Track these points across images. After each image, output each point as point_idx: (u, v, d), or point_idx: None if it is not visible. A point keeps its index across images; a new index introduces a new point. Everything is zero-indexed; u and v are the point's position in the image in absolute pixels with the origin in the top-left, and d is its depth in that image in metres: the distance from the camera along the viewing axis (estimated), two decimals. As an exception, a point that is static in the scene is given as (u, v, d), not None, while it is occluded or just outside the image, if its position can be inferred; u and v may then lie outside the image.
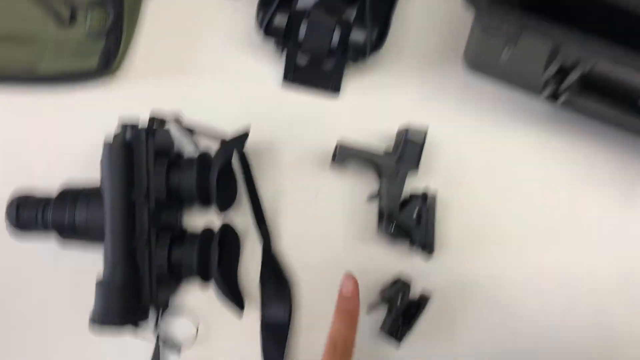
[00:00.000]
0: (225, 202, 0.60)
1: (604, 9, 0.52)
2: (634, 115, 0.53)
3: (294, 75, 0.63)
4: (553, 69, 0.48)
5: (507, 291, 0.61)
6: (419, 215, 0.57)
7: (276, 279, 0.60)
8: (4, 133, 0.65)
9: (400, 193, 0.58)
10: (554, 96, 0.53)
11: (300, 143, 0.63)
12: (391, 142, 0.62)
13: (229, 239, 0.60)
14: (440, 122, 0.62)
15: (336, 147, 0.58)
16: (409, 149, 0.57)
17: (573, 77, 0.48)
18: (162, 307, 0.60)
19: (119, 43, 0.63)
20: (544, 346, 0.60)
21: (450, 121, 0.63)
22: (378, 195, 0.60)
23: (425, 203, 0.57)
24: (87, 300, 0.56)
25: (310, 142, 0.63)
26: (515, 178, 0.62)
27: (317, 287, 0.62)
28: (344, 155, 0.57)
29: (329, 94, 0.64)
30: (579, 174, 0.62)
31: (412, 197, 0.58)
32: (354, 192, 0.63)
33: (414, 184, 0.61)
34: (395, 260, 0.61)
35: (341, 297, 0.52)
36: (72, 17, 0.63)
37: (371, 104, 0.64)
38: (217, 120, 0.62)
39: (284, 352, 0.60)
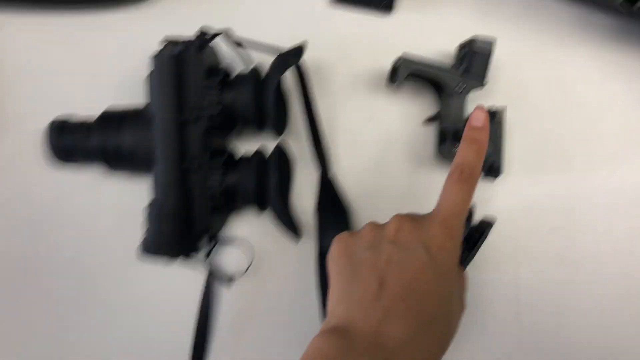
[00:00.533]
0: (281, 123, 0.56)
1: None
2: None
3: (344, -6, 0.59)
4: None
5: (572, 217, 0.58)
6: None
7: (334, 207, 0.57)
8: (37, 60, 0.61)
9: (465, 111, 0.55)
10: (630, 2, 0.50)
11: (351, 64, 0.60)
12: (450, 62, 0.59)
13: (283, 161, 0.56)
14: (501, 39, 0.58)
15: (397, 61, 0.54)
16: (475, 61, 0.53)
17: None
18: (215, 236, 0.57)
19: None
20: (608, 275, 0.58)
21: (512, 39, 0.59)
22: (438, 116, 0.57)
23: (493, 119, 0.53)
24: (132, 231, 0.53)
25: (362, 62, 0.60)
26: (582, 98, 0.59)
27: (373, 216, 0.59)
28: (407, 69, 0.53)
29: (381, 12, 0.60)
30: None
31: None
32: (410, 114, 0.60)
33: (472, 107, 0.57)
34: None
35: (470, 127, 0.48)
36: None
37: (427, 22, 0.60)
38: (265, 41, 0.58)
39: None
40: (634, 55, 0.59)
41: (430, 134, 0.59)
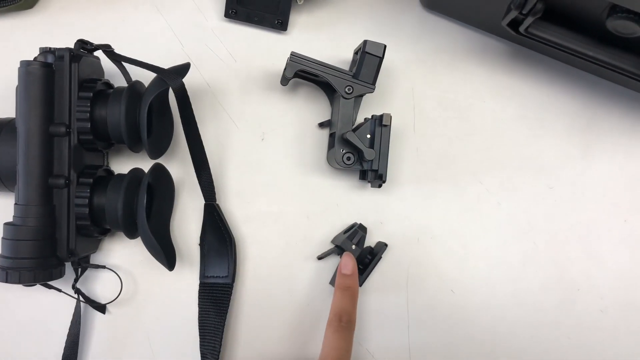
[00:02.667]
0: (159, 146, 0.53)
1: None
2: (598, 45, 0.50)
3: (237, 9, 0.57)
4: (517, -18, 0.44)
5: (464, 242, 0.57)
6: (372, 138, 0.52)
7: (219, 235, 0.54)
8: None
9: (355, 116, 0.53)
10: (516, 24, 0.50)
11: (244, 81, 0.58)
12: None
13: (161, 182, 0.53)
14: (395, 56, 0.58)
15: (288, 59, 0.52)
16: (366, 62, 0.52)
17: (537, -6, 0.44)
18: (83, 259, 0.53)
19: (40, -35, 0.56)
20: (498, 301, 0.57)
21: (406, 56, 0.59)
22: (330, 122, 0.56)
23: (380, 124, 0.52)
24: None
25: (257, 79, 0.58)
26: (472, 117, 0.58)
27: (261, 241, 0.56)
28: (296, 65, 0.51)
29: (275, 31, 0.58)
30: (537, 116, 0.59)
31: (366, 120, 0.53)
32: (305, 120, 0.58)
33: (367, 115, 0.56)
34: (346, 195, 0.57)
35: (340, 274, 0.52)
36: None
37: (322, 41, 0.59)
38: (151, 59, 0.55)
39: (225, 315, 0.54)
40: (526, 79, 0.59)
41: (325, 138, 0.57)
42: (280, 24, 0.58)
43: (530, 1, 0.46)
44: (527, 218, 0.57)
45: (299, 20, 0.59)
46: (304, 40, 0.59)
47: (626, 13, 0.45)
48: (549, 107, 0.59)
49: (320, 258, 0.55)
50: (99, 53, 0.53)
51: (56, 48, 0.49)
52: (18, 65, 0.49)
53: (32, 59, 0.50)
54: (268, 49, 0.58)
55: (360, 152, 0.51)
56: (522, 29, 0.50)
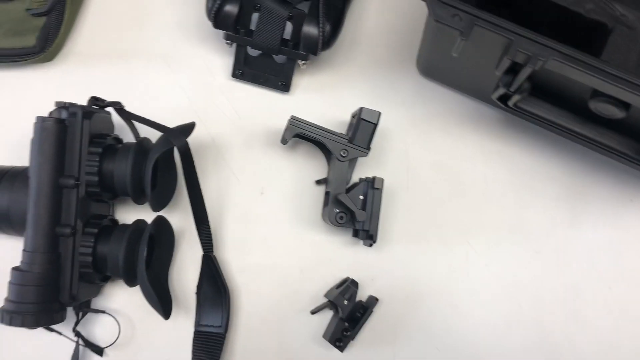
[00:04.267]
0: (162, 199, 0.56)
1: (552, 10, 0.52)
2: (583, 122, 0.52)
3: (244, 70, 0.61)
4: (505, 64, 0.47)
5: (451, 301, 0.59)
6: (365, 200, 0.54)
7: (214, 286, 0.57)
8: None
9: (349, 177, 0.56)
10: (505, 98, 0.53)
11: (247, 137, 0.61)
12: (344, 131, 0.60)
13: (162, 234, 0.56)
14: (391, 119, 0.61)
15: (288, 122, 0.55)
16: (361, 128, 0.55)
17: (524, 74, 0.47)
18: (84, 304, 0.55)
19: (61, 22, 0.60)
20: (485, 357, 0.58)
21: (402, 119, 0.62)
22: (326, 180, 0.58)
23: (372, 187, 0.55)
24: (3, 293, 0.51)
25: (259, 136, 0.61)
26: (463, 180, 0.61)
27: (256, 292, 0.58)
28: (295, 128, 0.54)
29: (279, 91, 0.61)
30: (526, 182, 0.61)
31: (360, 181, 0.56)
32: (303, 177, 0.60)
33: (361, 175, 0.58)
34: (340, 250, 0.59)
35: None
36: (12, -8, 0.60)
37: (322, 102, 0.62)
38: (160, 113, 0.58)
39: (216, 364, 0.56)
40: (517, 146, 0.61)
41: (321, 195, 0.60)
42: (283, 85, 0.61)
43: (517, 80, 0.49)
44: (514, 280, 0.59)
45: (301, 82, 0.62)
46: (305, 100, 0.62)
47: (607, 97, 0.47)
48: (539, 174, 0.61)
49: (313, 312, 0.57)
50: (110, 108, 0.56)
51: (70, 104, 0.53)
52: (34, 117, 0.52)
53: (47, 113, 0.53)
54: (271, 108, 0.61)
55: (353, 213, 0.54)
56: (510, 103, 0.53)
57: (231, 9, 0.56)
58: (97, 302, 0.58)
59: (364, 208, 0.54)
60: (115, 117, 0.57)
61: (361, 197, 0.55)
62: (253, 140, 0.61)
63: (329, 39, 0.57)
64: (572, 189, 0.61)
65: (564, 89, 0.51)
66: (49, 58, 0.61)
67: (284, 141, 0.56)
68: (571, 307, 0.59)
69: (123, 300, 0.58)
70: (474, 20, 0.46)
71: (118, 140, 0.56)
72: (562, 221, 0.60)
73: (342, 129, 0.60)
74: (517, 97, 0.51)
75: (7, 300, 0.50)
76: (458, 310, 0.59)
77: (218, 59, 0.62)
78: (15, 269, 0.51)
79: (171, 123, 0.55)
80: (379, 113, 0.55)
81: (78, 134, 0.52)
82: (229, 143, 0.61)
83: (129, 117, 0.55)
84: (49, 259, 0.51)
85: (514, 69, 0.49)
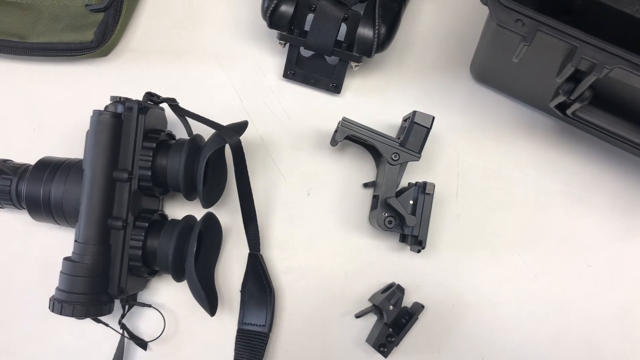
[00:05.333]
0: (212, 195, 0.56)
1: (616, 17, 0.51)
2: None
3: (295, 71, 0.61)
4: (567, 72, 0.46)
5: (497, 313, 0.58)
6: (415, 204, 0.54)
7: (259, 285, 0.57)
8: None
9: (399, 180, 0.55)
10: (563, 106, 0.51)
11: (296, 138, 0.61)
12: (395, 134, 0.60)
13: (211, 230, 0.56)
14: (443, 124, 0.60)
15: (339, 123, 0.55)
16: (414, 132, 0.54)
17: (587, 82, 0.46)
18: (130, 297, 0.56)
19: (118, 19, 0.60)
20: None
21: (453, 125, 0.61)
22: (374, 183, 0.58)
23: (423, 192, 0.54)
24: (53, 283, 0.52)
25: (308, 136, 0.61)
26: (515, 189, 0.60)
27: (301, 295, 0.58)
28: (346, 130, 0.54)
29: (330, 92, 0.61)
30: (580, 194, 0.59)
31: (409, 185, 0.55)
32: (351, 179, 0.60)
33: (411, 180, 0.58)
34: (385, 255, 0.59)
35: None
36: (72, -12, 0.61)
37: (373, 105, 0.61)
38: (211, 111, 0.59)
39: (258, 362, 0.56)
40: (571, 156, 0.60)
41: (368, 198, 0.60)
42: (334, 87, 0.60)
43: (579, 88, 0.48)
44: (563, 294, 0.58)
45: (352, 84, 0.62)
46: (355, 102, 0.61)
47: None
48: (593, 185, 0.59)
49: (358, 316, 0.57)
50: (164, 104, 0.56)
51: (126, 99, 0.53)
52: (90, 109, 0.52)
53: (103, 107, 0.53)
54: (321, 109, 0.61)
55: (402, 218, 0.53)
56: (569, 112, 0.52)
57: (287, 9, 0.56)
58: (143, 296, 0.58)
59: (413, 213, 0.54)
60: (169, 113, 0.57)
61: (411, 201, 0.54)
62: (302, 141, 0.61)
63: (383, 42, 0.56)
64: (627, 202, 0.59)
65: (626, 99, 0.49)
66: (105, 53, 0.62)
67: (334, 142, 0.56)
68: (622, 326, 0.57)
69: (168, 295, 0.58)
70: (538, 26, 0.45)
71: (171, 136, 0.57)
72: (616, 235, 0.59)
73: (392, 133, 0.60)
74: (577, 105, 0.50)
75: (57, 289, 0.51)
76: (505, 322, 0.58)
77: (270, 58, 0.62)
78: (66, 259, 0.52)
79: (222, 121, 0.55)
80: (433, 117, 0.54)
81: (133, 129, 0.53)
82: (278, 143, 0.61)
83: (182, 114, 0.56)
84: (99, 250, 0.51)
85: (575, 77, 0.48)
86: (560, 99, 0.50)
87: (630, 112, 0.50)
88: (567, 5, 0.54)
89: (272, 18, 0.57)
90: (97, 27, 0.60)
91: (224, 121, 0.55)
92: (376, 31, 0.56)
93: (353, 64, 0.59)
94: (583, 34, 0.45)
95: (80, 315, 0.50)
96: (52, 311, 0.50)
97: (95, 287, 0.51)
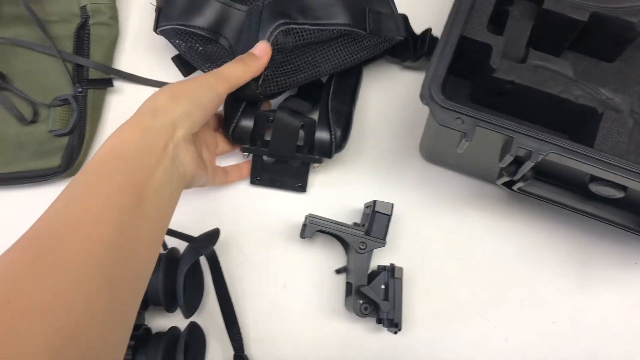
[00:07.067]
0: (192, 304, 0.58)
1: (544, 98, 0.57)
2: (585, 200, 0.56)
3: (261, 176, 0.64)
4: (507, 160, 0.51)
5: (477, 376, 0.61)
6: (386, 289, 0.57)
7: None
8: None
9: (368, 266, 0.59)
10: (509, 184, 0.56)
11: (267, 234, 0.64)
12: (358, 220, 0.64)
13: (194, 339, 0.58)
14: (401, 205, 0.63)
15: (306, 219, 0.59)
16: (377, 220, 0.58)
17: (526, 168, 0.51)
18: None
19: (82, 141, 0.63)
20: None
21: (411, 205, 0.65)
22: (346, 269, 0.61)
23: (392, 276, 0.57)
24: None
25: (277, 231, 0.64)
26: (475, 257, 0.64)
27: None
28: (314, 227, 0.58)
29: (296, 191, 0.65)
30: (534, 254, 0.64)
31: (379, 269, 0.59)
32: (323, 267, 0.63)
33: (379, 261, 0.62)
34: (364, 337, 0.62)
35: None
36: (35, 115, 0.64)
37: (337, 195, 0.65)
38: (183, 217, 0.61)
39: None
40: (522, 222, 0.65)
41: (342, 283, 0.63)
42: (300, 187, 0.65)
43: (520, 171, 0.52)
44: (534, 352, 0.61)
45: (315, 180, 0.66)
46: (320, 196, 0.65)
47: (605, 181, 0.51)
48: (545, 245, 0.64)
49: None
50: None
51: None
52: None
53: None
54: (289, 205, 0.65)
55: (377, 304, 0.56)
56: (515, 187, 0.56)
57: (247, 124, 0.60)
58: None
59: (386, 298, 0.57)
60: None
61: (382, 286, 0.58)
62: (272, 236, 0.64)
63: (340, 142, 0.61)
64: (578, 257, 0.64)
65: (566, 174, 0.54)
66: (72, 174, 0.64)
67: (304, 236, 0.59)
68: (592, 373, 0.61)
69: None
70: (476, 122, 0.50)
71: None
72: (571, 289, 0.63)
73: (357, 217, 0.64)
74: (521, 183, 0.55)
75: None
76: (483, 386, 0.61)
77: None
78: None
79: (195, 225, 0.58)
80: (392, 205, 0.58)
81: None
82: (250, 240, 0.64)
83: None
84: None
85: (517, 160, 0.52)
86: (505, 179, 0.55)
87: (570, 184, 0.55)
88: (499, 88, 0.59)
89: (234, 134, 0.60)
90: (63, 151, 0.62)
91: (196, 225, 0.58)
92: (333, 135, 0.60)
93: (315, 164, 0.63)
94: (518, 125, 0.49)
95: None
96: None
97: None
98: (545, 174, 0.55)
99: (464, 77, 0.65)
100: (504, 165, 0.52)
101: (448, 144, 0.55)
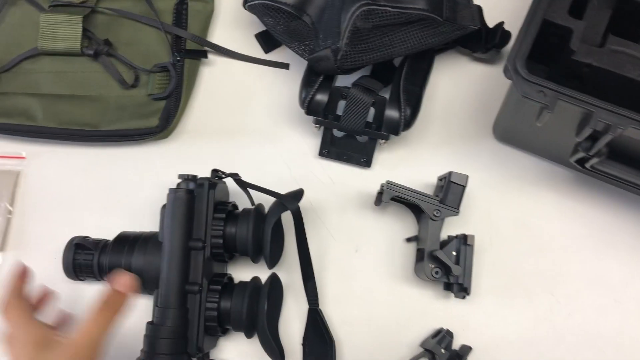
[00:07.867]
0: (275, 257, 0.62)
1: (621, 82, 0.58)
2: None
3: (329, 149, 0.68)
4: (586, 133, 0.53)
5: (537, 346, 0.63)
6: (458, 255, 0.60)
7: (320, 337, 0.62)
8: (63, 186, 0.69)
9: (440, 235, 0.61)
10: (582, 161, 0.59)
11: (342, 201, 0.68)
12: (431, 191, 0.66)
13: (275, 289, 0.62)
14: (472, 181, 0.66)
15: (382, 186, 0.62)
16: (452, 190, 0.61)
17: (603, 141, 0.53)
18: (205, 355, 0.61)
19: (178, 105, 0.68)
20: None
21: (482, 181, 0.68)
22: (417, 237, 0.64)
23: (465, 243, 0.60)
24: (133, 344, 0.58)
25: (352, 199, 0.68)
26: (542, 236, 0.66)
27: (357, 345, 0.64)
28: (391, 192, 0.61)
29: (361, 166, 0.69)
30: (602, 236, 0.66)
31: (450, 238, 0.62)
32: (394, 235, 0.67)
33: (449, 232, 0.64)
34: (432, 303, 0.65)
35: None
36: (136, 80, 0.69)
37: (400, 173, 0.68)
38: (265, 181, 0.65)
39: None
40: (590, 204, 0.67)
41: (412, 251, 0.66)
42: (365, 162, 0.68)
43: (597, 146, 0.55)
44: (596, 329, 0.63)
45: (379, 158, 0.70)
46: (384, 172, 0.69)
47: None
48: (612, 227, 0.66)
49: None
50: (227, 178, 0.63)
51: (194, 176, 0.60)
52: (155, 186, 0.61)
53: (168, 184, 0.60)
54: (360, 175, 0.69)
55: (448, 268, 0.59)
56: (588, 165, 0.59)
57: (321, 98, 0.64)
58: (212, 353, 0.63)
59: (457, 263, 0.60)
60: (230, 185, 0.64)
61: (454, 252, 0.61)
62: (346, 203, 0.68)
63: (409, 121, 0.64)
64: (645, 241, 0.66)
65: (638, 151, 0.56)
66: (166, 136, 0.69)
67: (379, 203, 0.63)
68: (652, 354, 0.63)
69: (234, 352, 0.63)
70: (558, 96, 0.53)
71: (235, 206, 0.63)
72: (637, 272, 0.65)
73: (432, 183, 0.67)
74: (595, 159, 0.57)
75: (142, 351, 0.57)
76: (544, 358, 0.63)
77: (306, 140, 0.70)
78: (150, 323, 0.57)
79: (276, 189, 0.62)
80: (467, 176, 0.61)
81: (205, 202, 0.59)
82: (325, 206, 0.68)
83: (245, 186, 0.63)
84: (179, 314, 0.57)
85: (593, 136, 0.55)
86: (580, 155, 0.57)
87: (643, 163, 0.58)
88: (577, 71, 0.61)
89: (309, 107, 0.65)
90: (160, 113, 0.68)
91: (278, 189, 0.63)
92: (402, 113, 0.63)
93: (381, 141, 0.67)
94: (598, 100, 0.52)
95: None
96: None
97: (176, 348, 0.57)
98: (619, 152, 0.57)
99: (540, 62, 0.67)
100: (581, 138, 0.55)
101: (525, 120, 0.58)
